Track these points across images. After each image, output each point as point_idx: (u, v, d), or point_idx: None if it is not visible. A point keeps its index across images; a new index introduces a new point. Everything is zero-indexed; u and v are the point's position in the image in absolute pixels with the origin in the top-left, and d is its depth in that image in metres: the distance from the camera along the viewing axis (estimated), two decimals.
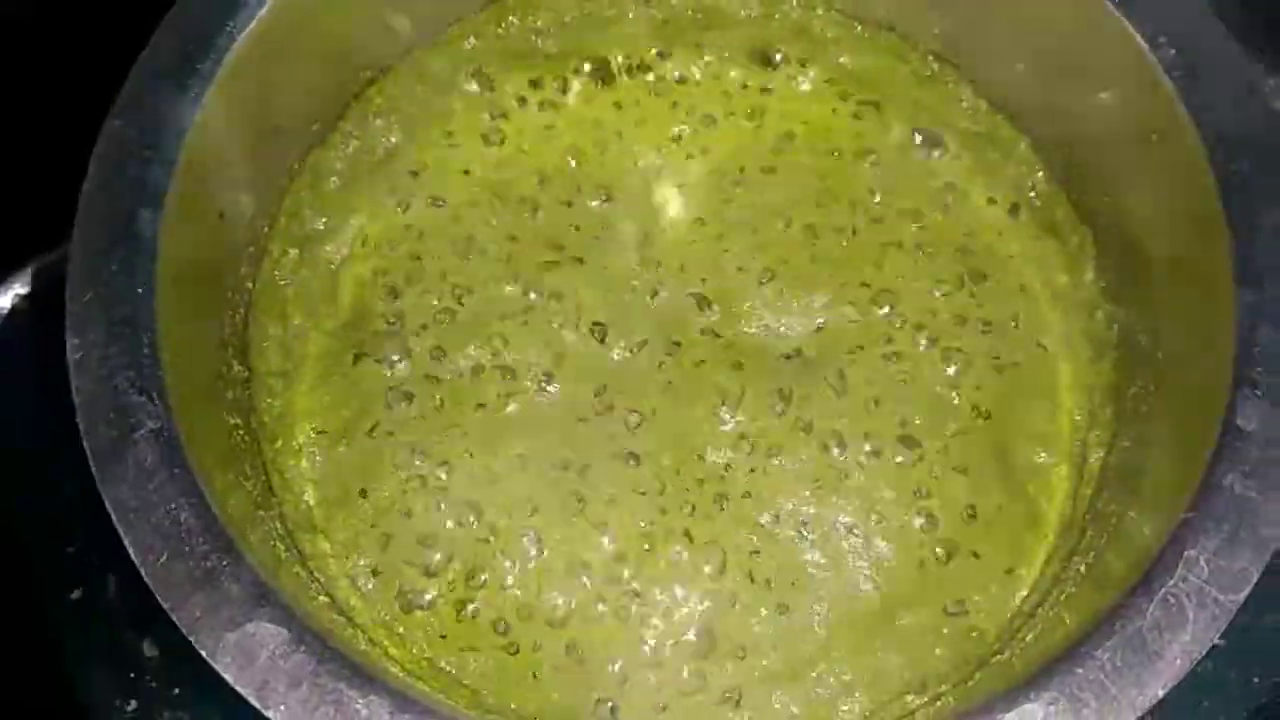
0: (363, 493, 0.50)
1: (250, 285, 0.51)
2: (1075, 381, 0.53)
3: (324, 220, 0.55)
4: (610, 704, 0.47)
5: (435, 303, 0.54)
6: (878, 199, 0.56)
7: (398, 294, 0.54)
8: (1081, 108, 0.50)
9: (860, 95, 0.58)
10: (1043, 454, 0.52)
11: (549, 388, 0.52)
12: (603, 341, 0.53)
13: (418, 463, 0.51)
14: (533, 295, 0.54)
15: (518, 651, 0.48)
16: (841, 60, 0.58)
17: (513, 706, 0.47)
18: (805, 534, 0.50)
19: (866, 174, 0.57)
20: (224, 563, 0.37)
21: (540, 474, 0.51)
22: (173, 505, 0.38)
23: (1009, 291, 0.54)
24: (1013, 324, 0.54)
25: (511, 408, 0.52)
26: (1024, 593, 0.49)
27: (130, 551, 0.37)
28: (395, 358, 0.53)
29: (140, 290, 0.41)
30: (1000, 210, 0.56)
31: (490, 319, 0.54)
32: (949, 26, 0.55)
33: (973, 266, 0.55)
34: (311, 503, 0.50)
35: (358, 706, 0.36)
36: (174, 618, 0.37)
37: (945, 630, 0.48)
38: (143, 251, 0.42)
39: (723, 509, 0.50)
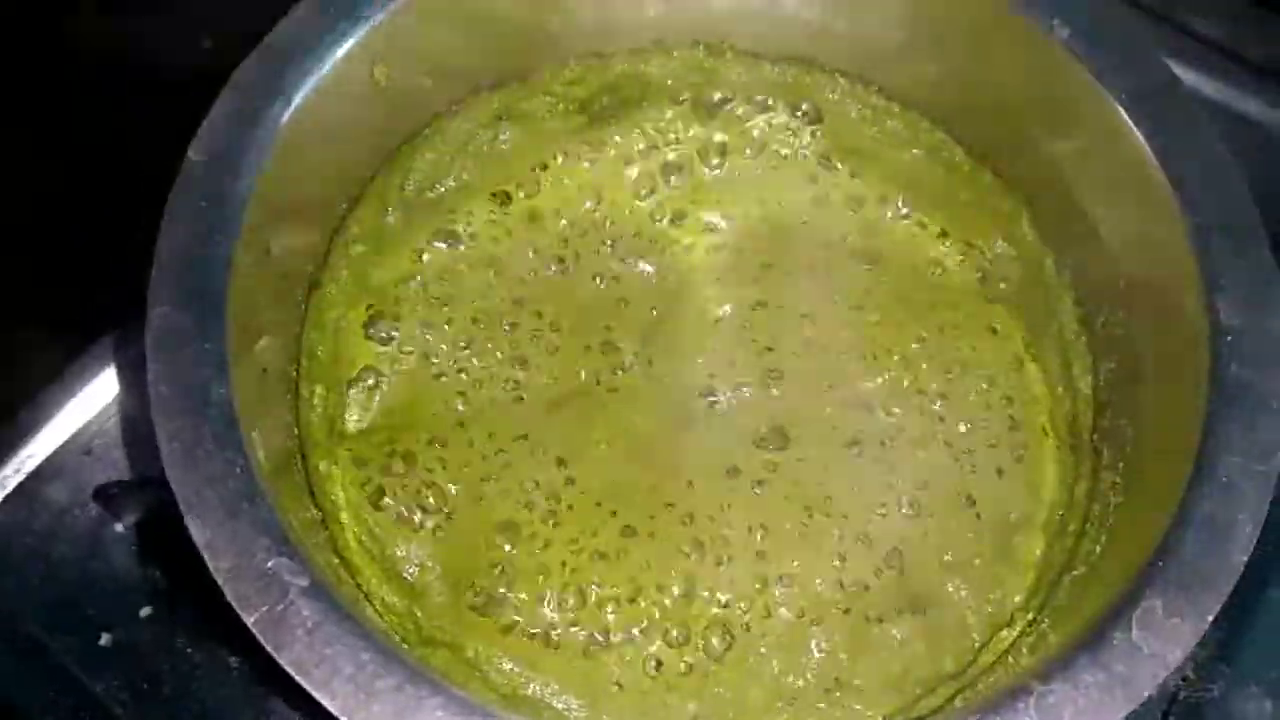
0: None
1: (296, 431, 0.52)
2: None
3: (333, 351, 0.56)
4: None
5: None
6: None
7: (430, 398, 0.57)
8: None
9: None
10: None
11: None
12: None
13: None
14: None
15: None
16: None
17: None
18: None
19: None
20: (424, 690, 0.39)
21: None
22: (353, 652, 0.39)
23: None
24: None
25: None
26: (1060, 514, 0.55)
27: (331, 708, 0.38)
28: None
29: (239, 461, 0.42)
30: None
31: None
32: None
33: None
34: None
35: None
36: None
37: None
38: (227, 423, 0.43)
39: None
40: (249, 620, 0.39)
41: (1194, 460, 0.43)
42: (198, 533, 0.40)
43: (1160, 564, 0.41)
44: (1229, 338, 0.46)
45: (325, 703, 0.38)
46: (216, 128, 0.47)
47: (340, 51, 0.51)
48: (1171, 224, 0.49)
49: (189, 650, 0.58)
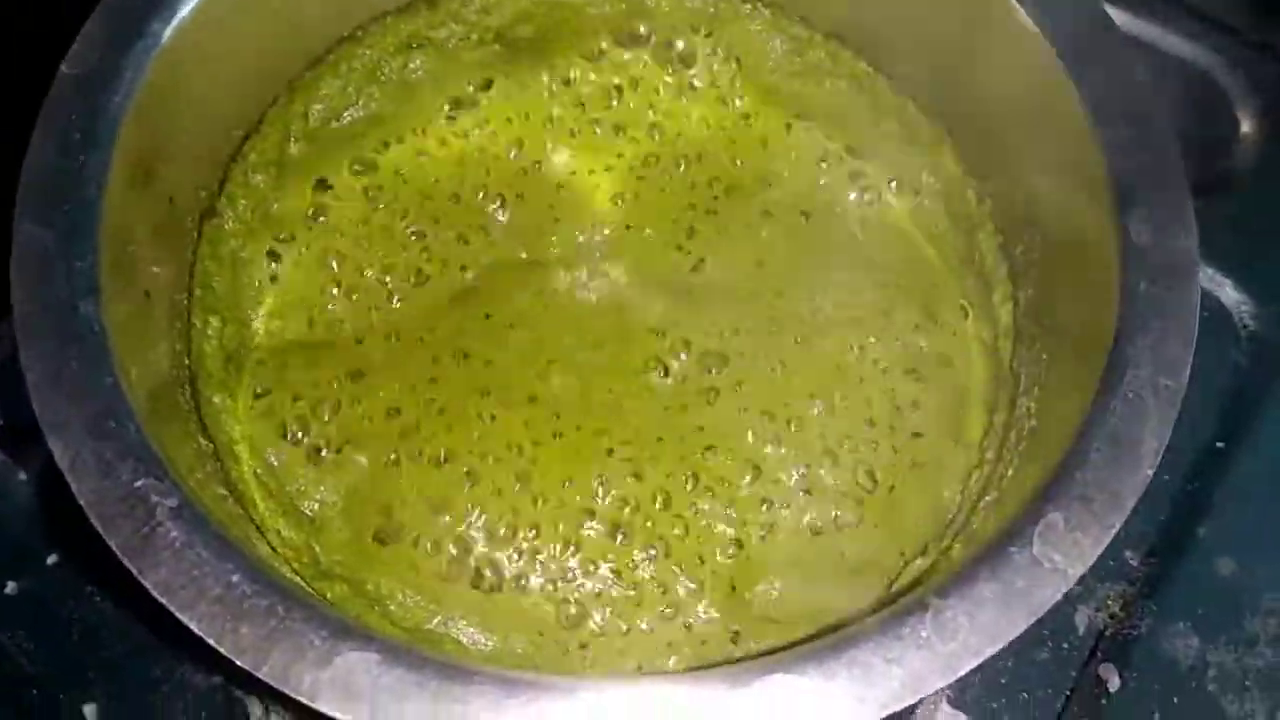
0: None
1: (186, 361, 0.50)
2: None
3: (231, 282, 0.54)
4: None
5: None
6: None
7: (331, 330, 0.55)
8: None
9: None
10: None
11: None
12: None
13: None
14: None
15: None
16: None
17: None
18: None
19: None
20: (292, 611, 0.37)
21: None
22: (221, 574, 0.37)
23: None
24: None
25: None
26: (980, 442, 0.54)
27: (196, 629, 0.36)
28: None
29: (108, 381, 0.40)
30: None
31: None
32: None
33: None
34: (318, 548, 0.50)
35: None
36: (265, 676, 0.36)
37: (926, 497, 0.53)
38: (96, 344, 0.41)
39: None
40: (113, 543, 0.37)
41: (1102, 378, 0.42)
42: (61, 454, 0.38)
43: (1063, 479, 0.40)
44: (1140, 257, 0.45)
45: (191, 625, 0.36)
46: (92, 42, 0.45)
47: None
48: (1086, 147, 0.48)
49: (97, 599, 0.57)
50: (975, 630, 0.37)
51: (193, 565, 0.37)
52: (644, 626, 0.50)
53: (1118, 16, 0.73)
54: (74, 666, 0.56)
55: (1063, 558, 0.39)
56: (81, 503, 0.38)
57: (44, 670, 0.55)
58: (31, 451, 0.59)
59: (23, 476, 0.59)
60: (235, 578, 0.37)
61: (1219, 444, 0.62)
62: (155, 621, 0.55)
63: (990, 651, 0.37)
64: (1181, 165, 0.48)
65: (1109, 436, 0.41)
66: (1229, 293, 0.68)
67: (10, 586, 0.57)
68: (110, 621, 0.56)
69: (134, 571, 0.36)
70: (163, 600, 0.36)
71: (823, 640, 0.37)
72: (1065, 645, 0.57)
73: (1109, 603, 0.58)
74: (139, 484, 0.38)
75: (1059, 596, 0.38)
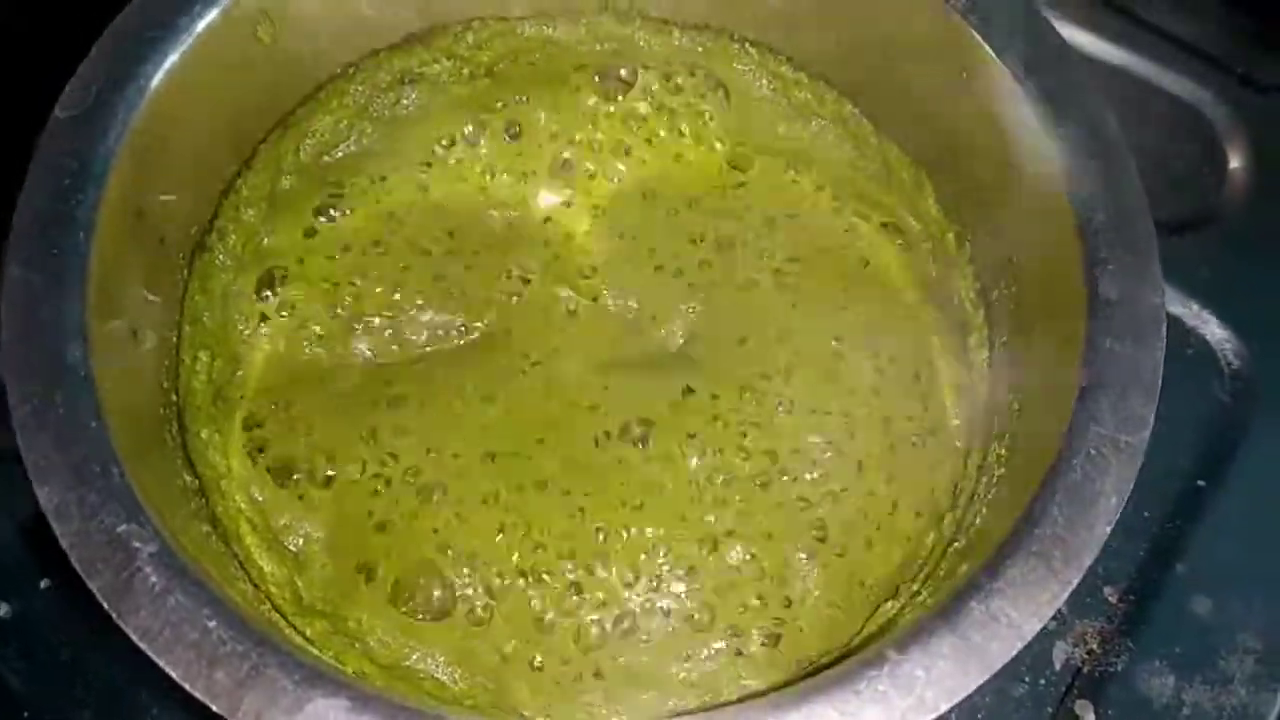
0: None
1: (175, 397, 0.51)
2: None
3: (221, 317, 0.55)
4: None
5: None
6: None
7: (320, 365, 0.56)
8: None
9: None
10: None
11: None
12: None
13: None
14: None
15: None
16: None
17: None
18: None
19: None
20: (266, 657, 0.38)
21: None
22: (198, 619, 0.38)
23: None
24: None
25: None
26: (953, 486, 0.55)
27: (173, 674, 0.37)
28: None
29: (93, 425, 0.41)
30: None
31: None
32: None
33: None
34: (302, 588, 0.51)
35: None
36: None
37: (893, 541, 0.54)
38: (81, 387, 0.42)
39: None
40: (94, 586, 0.38)
41: (1065, 433, 0.43)
42: (45, 499, 0.39)
43: (1023, 534, 0.41)
44: (1105, 312, 0.45)
45: (168, 669, 0.37)
46: (84, 83, 0.46)
47: (218, 9, 0.49)
48: (1058, 197, 0.49)
49: (89, 623, 0.57)
50: (931, 684, 0.38)
51: (171, 610, 0.38)
52: (619, 676, 0.50)
53: (1108, 50, 0.74)
54: (65, 689, 0.57)
55: (1018, 613, 0.39)
56: (64, 545, 0.39)
57: (35, 692, 0.56)
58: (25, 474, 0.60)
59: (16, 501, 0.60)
60: (212, 623, 0.38)
61: (1199, 482, 0.63)
62: (146, 650, 0.57)
63: (945, 707, 0.38)
64: (1147, 214, 0.48)
65: (1069, 492, 0.42)
66: (1213, 329, 0.69)
67: (3, 609, 0.58)
68: (102, 645, 0.57)
69: (113, 615, 0.38)
70: (140, 644, 0.37)
71: (782, 693, 0.38)
72: (1042, 681, 0.58)
73: (1086, 639, 0.59)
74: (120, 529, 0.39)
75: (1014, 652, 0.39)
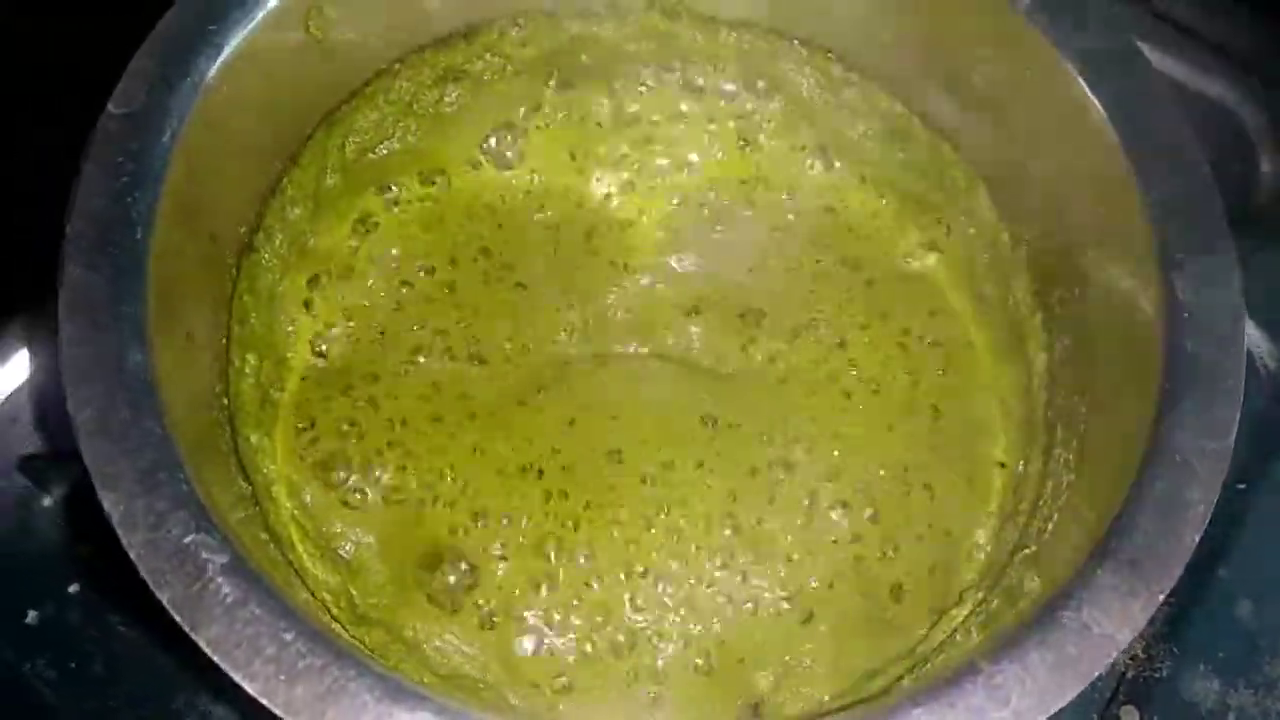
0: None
1: (225, 401, 0.49)
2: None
3: (268, 317, 0.54)
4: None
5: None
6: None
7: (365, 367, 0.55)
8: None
9: None
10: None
11: None
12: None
13: None
14: None
15: None
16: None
17: None
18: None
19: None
20: (346, 670, 0.37)
21: None
22: (274, 632, 0.37)
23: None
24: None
25: None
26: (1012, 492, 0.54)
27: (250, 689, 0.36)
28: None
29: (157, 430, 0.40)
30: None
31: None
32: None
33: None
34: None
35: None
36: None
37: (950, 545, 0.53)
38: (144, 391, 0.41)
39: None
40: (164, 599, 0.37)
41: (1148, 438, 0.43)
42: (111, 506, 0.38)
43: (1111, 543, 0.40)
44: (1184, 315, 0.45)
45: (245, 685, 0.36)
46: (137, 81, 0.45)
47: (273, 2, 0.48)
48: (1129, 200, 0.48)
49: (120, 629, 0.56)
50: (1026, 695, 0.38)
51: (245, 623, 0.36)
52: (673, 685, 0.50)
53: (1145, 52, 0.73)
54: (95, 697, 0.55)
55: (1111, 623, 0.39)
56: (131, 556, 0.37)
57: (65, 701, 0.55)
58: (54, 479, 0.59)
59: (46, 503, 0.59)
60: (288, 636, 0.36)
61: (1240, 485, 0.63)
62: (177, 652, 0.56)
63: (1041, 719, 0.37)
64: (1223, 216, 0.48)
65: (1157, 501, 0.41)
66: (1250, 333, 0.68)
67: (31, 615, 0.56)
68: (132, 651, 0.56)
69: (186, 628, 0.36)
70: (216, 659, 0.36)
71: (870, 705, 0.37)
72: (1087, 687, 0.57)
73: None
74: (189, 539, 0.37)
75: (1109, 662, 0.38)
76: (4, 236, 0.61)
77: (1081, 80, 0.50)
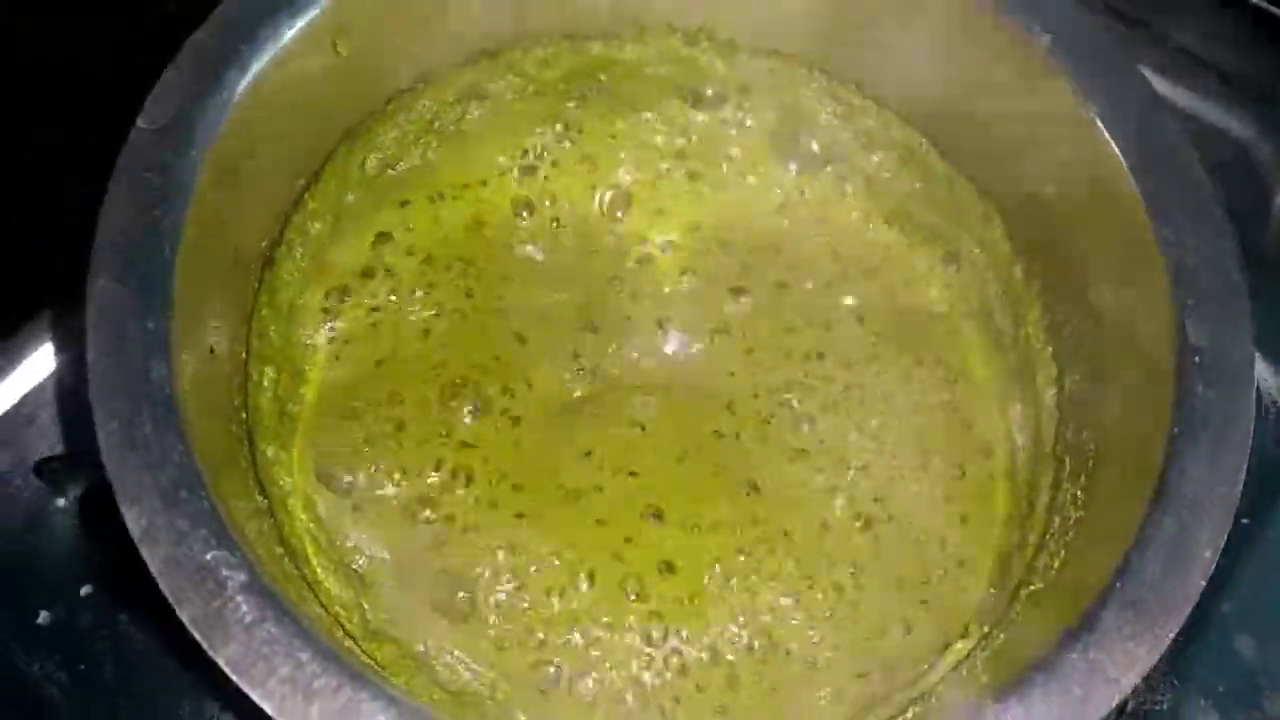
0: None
1: (244, 415, 0.50)
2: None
3: (286, 331, 0.54)
4: None
5: None
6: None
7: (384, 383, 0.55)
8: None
9: None
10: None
11: None
12: None
13: None
14: None
15: None
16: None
17: None
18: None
19: None
20: (360, 691, 0.37)
21: None
22: (291, 651, 0.38)
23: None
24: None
25: None
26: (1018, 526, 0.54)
27: (267, 708, 0.37)
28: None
29: (179, 446, 0.40)
30: None
31: None
32: None
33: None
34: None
35: None
36: None
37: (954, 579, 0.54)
38: (166, 406, 0.41)
39: None
40: (184, 616, 0.37)
41: (1157, 481, 0.43)
42: (133, 522, 0.38)
43: (1119, 585, 0.41)
44: (1196, 358, 0.45)
45: (262, 703, 0.36)
46: (168, 95, 0.45)
47: (301, 21, 0.49)
48: (1143, 238, 0.48)
49: (131, 631, 0.57)
50: None
51: (263, 642, 0.37)
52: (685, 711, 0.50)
53: (1155, 83, 0.74)
54: (105, 699, 0.56)
55: (1117, 666, 0.39)
56: (153, 572, 0.38)
57: (74, 703, 0.55)
58: (69, 480, 0.59)
59: (60, 504, 0.59)
60: (304, 655, 0.37)
61: (1244, 520, 0.63)
62: (187, 657, 0.56)
63: None
64: (1237, 258, 0.48)
65: (1165, 544, 0.42)
66: (1258, 369, 0.68)
67: (43, 616, 0.57)
68: (143, 654, 0.56)
69: (205, 646, 0.37)
70: (234, 677, 0.36)
71: None
72: None
73: None
74: (209, 556, 0.38)
75: (1113, 705, 0.39)
76: (3, 238, 0.61)
77: (1099, 119, 0.51)
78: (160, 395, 0.40)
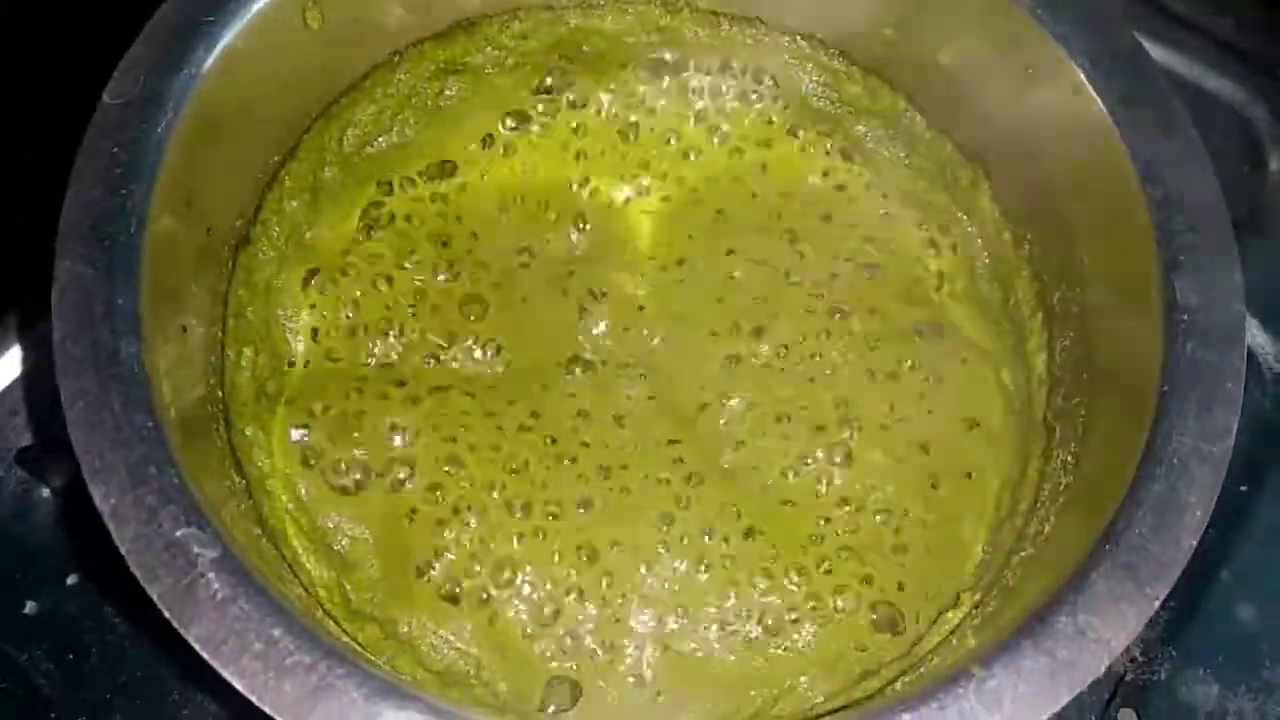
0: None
1: (220, 394, 0.49)
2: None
3: (264, 310, 0.54)
4: None
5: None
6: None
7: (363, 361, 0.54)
8: None
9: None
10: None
11: None
12: None
13: None
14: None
15: None
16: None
17: None
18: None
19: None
20: (334, 668, 0.37)
21: None
22: (263, 628, 0.37)
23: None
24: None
25: None
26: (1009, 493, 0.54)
27: (238, 685, 0.36)
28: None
29: (148, 424, 0.40)
30: None
31: None
32: None
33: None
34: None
35: None
36: None
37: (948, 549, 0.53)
38: (136, 385, 0.41)
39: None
40: (153, 593, 0.36)
41: (1146, 441, 0.42)
42: (101, 500, 0.38)
43: (1107, 546, 0.40)
44: (1185, 316, 0.44)
45: (233, 681, 0.36)
46: (134, 71, 0.45)
47: None
48: (1132, 199, 0.48)
49: (117, 620, 0.56)
50: (1018, 700, 0.37)
51: (235, 619, 0.36)
52: (672, 683, 0.49)
53: (1150, 50, 0.73)
54: (92, 687, 0.55)
55: (1106, 628, 0.38)
56: (122, 550, 0.37)
57: (62, 692, 0.55)
58: (53, 470, 0.59)
59: (44, 494, 0.59)
60: (276, 632, 0.36)
61: (1242, 488, 0.62)
62: (174, 644, 0.55)
63: None
64: (1226, 218, 0.47)
65: (1154, 504, 0.41)
66: (1255, 335, 0.68)
67: (29, 606, 0.56)
68: (130, 643, 0.56)
69: (175, 623, 0.36)
70: (204, 654, 0.36)
71: (865, 707, 0.37)
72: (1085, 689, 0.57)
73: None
74: (180, 533, 0.37)
75: (1102, 668, 0.38)
76: (2, 234, 0.61)
77: (1085, 78, 0.50)
78: (129, 373, 0.40)
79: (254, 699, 0.35)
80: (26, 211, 0.60)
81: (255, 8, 0.48)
